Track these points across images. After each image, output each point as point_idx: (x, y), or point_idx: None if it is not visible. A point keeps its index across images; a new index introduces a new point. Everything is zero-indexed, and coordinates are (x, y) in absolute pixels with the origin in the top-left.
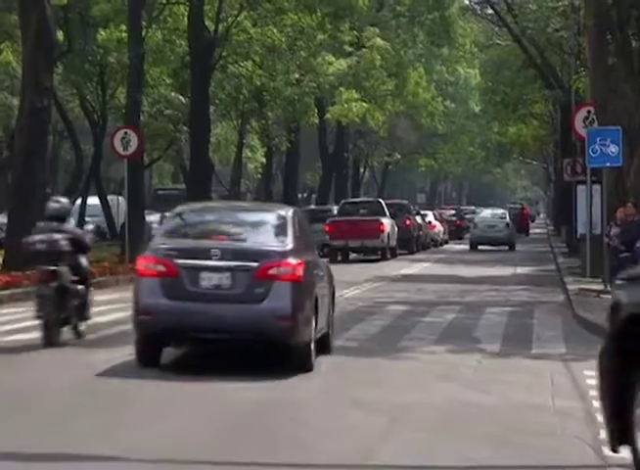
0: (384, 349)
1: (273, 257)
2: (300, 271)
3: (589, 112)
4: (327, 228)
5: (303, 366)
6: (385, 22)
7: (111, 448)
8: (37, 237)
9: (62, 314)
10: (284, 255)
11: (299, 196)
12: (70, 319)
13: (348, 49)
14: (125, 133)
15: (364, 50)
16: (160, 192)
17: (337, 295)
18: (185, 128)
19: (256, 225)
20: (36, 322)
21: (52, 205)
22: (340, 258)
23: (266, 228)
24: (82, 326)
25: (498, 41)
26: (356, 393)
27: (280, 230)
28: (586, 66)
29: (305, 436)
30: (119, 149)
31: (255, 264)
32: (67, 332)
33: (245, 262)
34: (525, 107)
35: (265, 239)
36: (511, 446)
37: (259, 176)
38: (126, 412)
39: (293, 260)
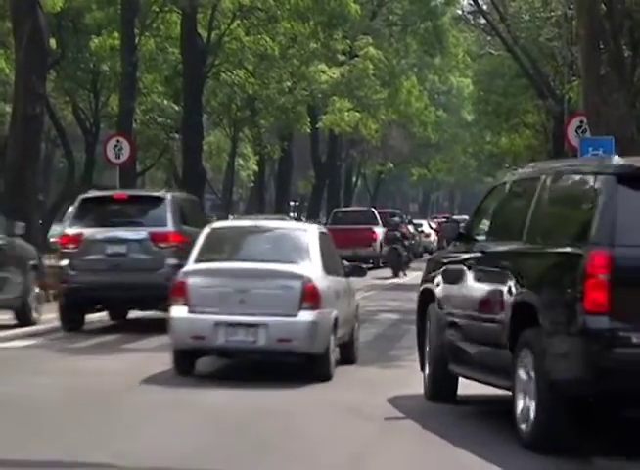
0: (375, 357)
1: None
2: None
3: (582, 121)
4: None
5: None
6: (377, 31)
7: (102, 456)
8: None
9: None
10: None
11: (292, 204)
12: None
13: (341, 58)
14: (118, 141)
15: (357, 59)
16: None
17: None
18: (178, 136)
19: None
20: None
21: None
22: None
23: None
24: None
25: (491, 51)
26: (348, 400)
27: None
28: (579, 75)
29: (297, 445)
30: (112, 157)
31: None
32: None
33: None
34: (517, 116)
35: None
36: (510, 451)
37: (252, 184)
38: (115, 419)
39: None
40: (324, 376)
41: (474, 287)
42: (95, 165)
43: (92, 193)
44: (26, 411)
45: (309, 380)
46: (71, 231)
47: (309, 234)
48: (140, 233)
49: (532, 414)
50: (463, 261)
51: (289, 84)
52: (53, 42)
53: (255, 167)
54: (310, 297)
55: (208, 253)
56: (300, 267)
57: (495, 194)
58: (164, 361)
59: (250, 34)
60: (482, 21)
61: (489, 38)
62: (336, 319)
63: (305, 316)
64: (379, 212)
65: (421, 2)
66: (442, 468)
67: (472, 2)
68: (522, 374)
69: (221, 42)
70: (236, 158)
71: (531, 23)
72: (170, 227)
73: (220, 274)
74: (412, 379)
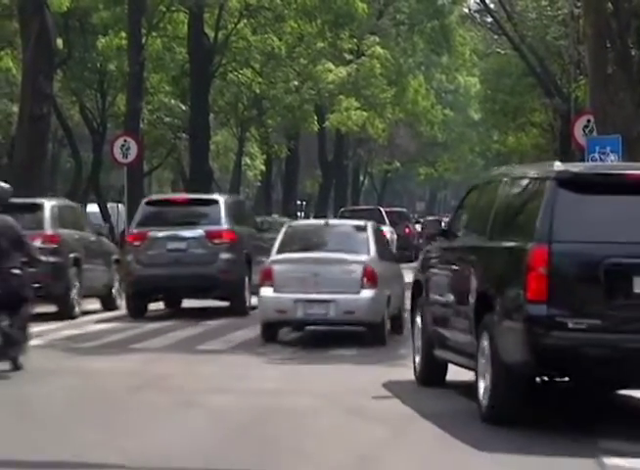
0: (381, 357)
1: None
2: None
3: (589, 120)
4: None
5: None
6: (384, 30)
7: (111, 456)
8: None
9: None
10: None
11: (299, 203)
12: None
13: (348, 57)
14: (125, 141)
15: (364, 58)
16: None
17: None
18: (185, 136)
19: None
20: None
21: None
22: None
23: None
24: None
25: (498, 49)
26: (357, 401)
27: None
28: (586, 74)
29: (305, 444)
30: (119, 156)
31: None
32: None
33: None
34: (524, 115)
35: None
36: (516, 459)
37: (259, 184)
38: (124, 419)
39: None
40: (380, 341)
41: (449, 278)
42: (102, 165)
43: (155, 196)
44: (34, 410)
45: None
46: (137, 230)
47: (367, 229)
48: (197, 231)
49: (489, 392)
50: (443, 255)
51: (296, 83)
52: (60, 42)
53: (263, 167)
54: (369, 278)
55: (288, 245)
56: (360, 255)
57: (471, 194)
58: (172, 361)
59: (256, 34)
60: (489, 19)
61: (496, 37)
62: (389, 296)
63: (366, 293)
64: (386, 211)
65: (428, 1)
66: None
67: (479, 1)
68: (482, 357)
69: (228, 42)
70: (243, 157)
71: (538, 21)
72: (224, 226)
73: (298, 262)
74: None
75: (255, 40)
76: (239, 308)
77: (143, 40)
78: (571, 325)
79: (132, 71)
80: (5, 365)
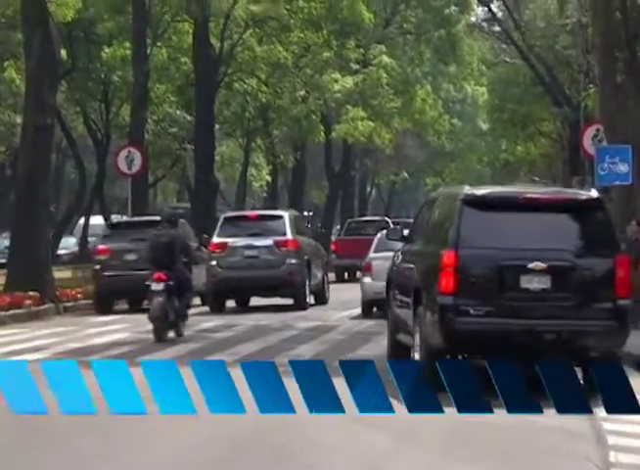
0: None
1: None
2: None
3: (598, 129)
4: (333, 247)
5: None
6: (391, 39)
7: (115, 468)
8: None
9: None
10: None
11: (305, 214)
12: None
13: (355, 67)
14: (129, 152)
15: (370, 68)
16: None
17: (343, 315)
18: (190, 146)
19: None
20: (37, 343)
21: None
22: (347, 277)
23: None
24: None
25: (506, 58)
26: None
27: None
28: (595, 83)
29: (312, 455)
30: (123, 168)
31: None
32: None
33: None
34: (533, 124)
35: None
36: (519, 466)
37: (265, 195)
38: (128, 431)
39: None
40: None
41: (403, 276)
42: (106, 177)
43: (232, 213)
44: (34, 419)
45: None
46: (218, 240)
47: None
48: (267, 241)
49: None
50: (403, 257)
51: (302, 93)
52: (64, 53)
53: (268, 178)
54: None
55: (382, 246)
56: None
57: (423, 207)
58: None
59: (262, 44)
60: (497, 28)
61: (504, 46)
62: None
63: None
64: (393, 222)
65: (435, 10)
66: None
67: (486, 10)
68: (417, 340)
69: (234, 52)
70: (248, 168)
71: (546, 30)
72: (289, 236)
73: (388, 259)
74: None
75: (261, 50)
76: (301, 304)
77: (148, 50)
78: (472, 312)
79: (137, 82)
80: (171, 333)
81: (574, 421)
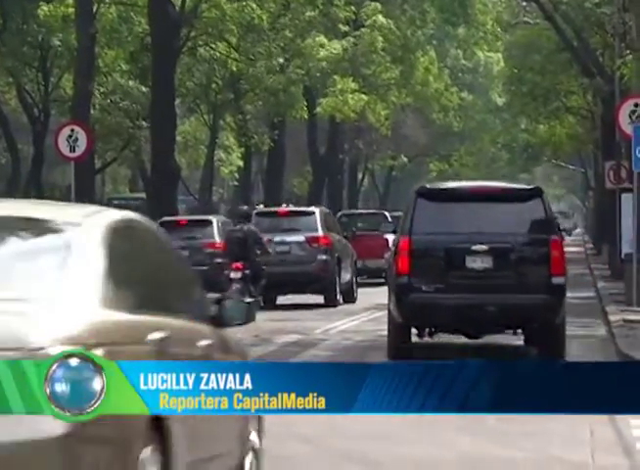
0: None
1: None
2: None
3: (637, 104)
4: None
5: None
6: None
7: None
8: None
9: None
10: None
11: (284, 206)
12: None
13: (344, 28)
14: (72, 130)
15: (363, 30)
16: (114, 201)
17: (328, 326)
18: (145, 124)
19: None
20: None
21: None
22: None
23: None
24: None
25: (526, 19)
26: (354, 445)
27: None
28: (633, 48)
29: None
30: (65, 150)
31: None
32: None
33: None
34: (558, 99)
35: None
36: None
37: (235, 183)
38: None
39: None
40: None
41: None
42: (45, 160)
43: (263, 209)
44: None
45: None
46: None
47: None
48: (299, 237)
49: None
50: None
51: (280, 61)
52: None
53: (240, 162)
54: None
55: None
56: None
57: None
58: None
59: (232, 0)
60: None
61: (524, 3)
62: None
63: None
64: (392, 216)
65: None
66: None
67: None
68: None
69: (198, 10)
70: (216, 150)
71: None
72: (320, 232)
73: None
74: (431, 419)
75: (231, 8)
76: (331, 301)
77: (94, 8)
78: (424, 289)
79: (81, 47)
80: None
81: (607, 457)
